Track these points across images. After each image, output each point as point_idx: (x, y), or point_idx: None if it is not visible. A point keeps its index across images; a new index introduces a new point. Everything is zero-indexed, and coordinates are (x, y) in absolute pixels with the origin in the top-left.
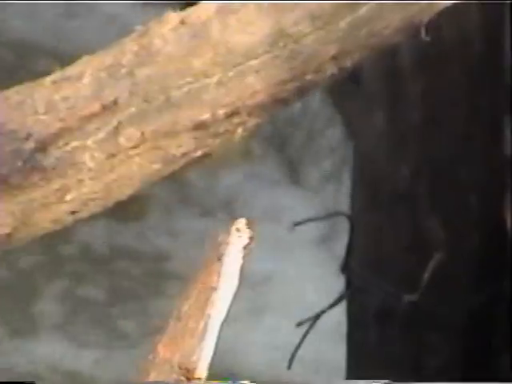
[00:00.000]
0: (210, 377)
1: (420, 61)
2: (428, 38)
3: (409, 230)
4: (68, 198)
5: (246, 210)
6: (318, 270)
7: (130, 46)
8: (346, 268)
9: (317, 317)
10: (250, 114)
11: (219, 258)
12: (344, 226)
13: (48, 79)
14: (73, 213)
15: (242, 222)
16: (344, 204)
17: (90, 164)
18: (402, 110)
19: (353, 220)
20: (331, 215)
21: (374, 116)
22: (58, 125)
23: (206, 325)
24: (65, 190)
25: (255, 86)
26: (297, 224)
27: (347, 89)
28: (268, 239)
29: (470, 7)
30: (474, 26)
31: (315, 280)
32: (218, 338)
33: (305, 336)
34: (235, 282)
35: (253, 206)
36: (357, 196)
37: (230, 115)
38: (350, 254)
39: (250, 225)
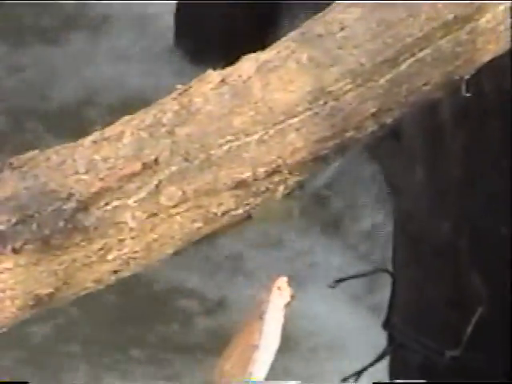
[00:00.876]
0: None
1: (460, 116)
2: (468, 94)
3: (450, 285)
4: (110, 257)
5: (288, 267)
6: (359, 326)
7: (170, 105)
8: (388, 324)
9: (360, 373)
10: (291, 172)
11: (261, 317)
12: (385, 281)
13: (88, 139)
14: (115, 272)
15: (283, 280)
16: (386, 259)
17: (132, 223)
18: (442, 165)
19: (395, 276)
20: (374, 271)
21: (415, 172)
22: (99, 184)
23: (247, 383)
24: (106, 249)
25: (296, 143)
26: (339, 281)
27: (388, 145)
28: (310, 295)
29: (509, 63)
30: None
31: (357, 336)
32: None
33: None
34: (277, 339)
35: (294, 262)
36: (399, 251)
37: (271, 173)
38: (392, 309)
39: (290, 283)
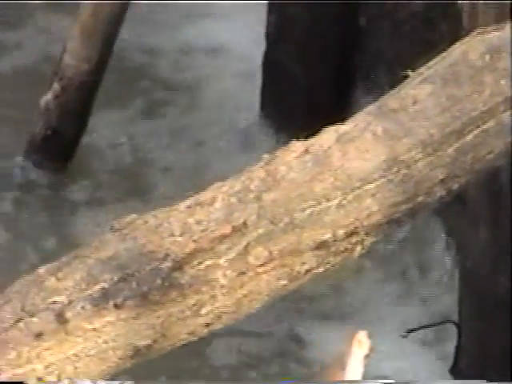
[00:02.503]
0: None
1: None
2: None
3: (510, 335)
4: (203, 311)
5: (364, 319)
6: (428, 371)
7: (257, 173)
8: (454, 369)
9: None
10: (367, 234)
11: (343, 368)
12: (452, 331)
13: (183, 204)
14: (207, 325)
15: (363, 334)
16: (452, 311)
17: (223, 281)
18: (503, 225)
19: (460, 326)
20: (441, 323)
21: (479, 231)
22: (193, 245)
23: None
24: (200, 304)
25: (372, 207)
26: (411, 331)
27: (454, 208)
28: (383, 343)
29: None
30: None
31: (426, 380)
32: None
33: None
34: None
35: (368, 313)
36: (463, 304)
37: (350, 235)
38: (458, 356)
39: (370, 336)
